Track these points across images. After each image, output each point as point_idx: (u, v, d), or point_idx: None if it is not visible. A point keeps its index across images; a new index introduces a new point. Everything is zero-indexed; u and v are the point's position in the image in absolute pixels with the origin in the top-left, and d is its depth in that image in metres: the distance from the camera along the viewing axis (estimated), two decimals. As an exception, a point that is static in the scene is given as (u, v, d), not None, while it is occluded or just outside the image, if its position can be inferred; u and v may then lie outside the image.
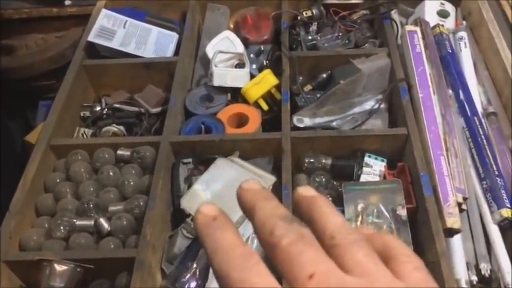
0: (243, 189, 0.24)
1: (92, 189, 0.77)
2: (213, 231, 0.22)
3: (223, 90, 0.92)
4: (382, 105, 0.85)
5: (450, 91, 0.86)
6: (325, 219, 0.23)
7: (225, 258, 0.21)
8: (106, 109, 0.92)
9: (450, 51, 0.92)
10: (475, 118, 0.82)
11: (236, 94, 0.92)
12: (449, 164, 0.75)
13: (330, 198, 0.76)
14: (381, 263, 0.21)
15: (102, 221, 0.73)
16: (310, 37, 0.99)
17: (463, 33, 0.96)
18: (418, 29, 0.93)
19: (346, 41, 0.97)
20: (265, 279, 0.20)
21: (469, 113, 0.83)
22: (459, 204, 0.72)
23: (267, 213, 0.22)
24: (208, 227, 0.23)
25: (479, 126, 0.81)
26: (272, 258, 0.21)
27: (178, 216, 0.77)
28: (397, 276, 0.21)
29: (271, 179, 0.75)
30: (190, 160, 0.81)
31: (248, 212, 0.23)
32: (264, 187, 0.24)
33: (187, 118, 0.90)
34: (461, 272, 0.68)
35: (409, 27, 0.93)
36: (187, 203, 0.75)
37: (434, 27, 0.96)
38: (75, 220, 0.72)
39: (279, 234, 0.21)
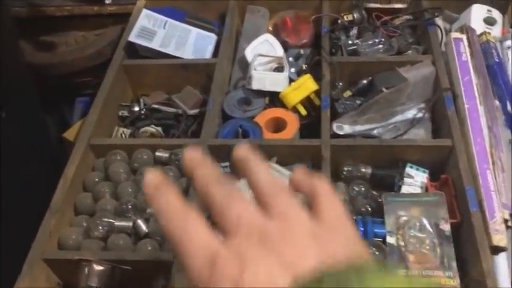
0: (185, 157, 0.29)
1: (130, 190, 0.77)
2: (157, 199, 0.27)
3: (261, 93, 0.91)
4: (426, 115, 0.83)
5: (497, 102, 0.83)
6: (257, 176, 0.28)
7: (166, 217, 0.26)
8: (144, 109, 0.92)
9: (497, 60, 0.88)
10: (523, 131, 0.79)
11: (274, 98, 0.91)
12: (495, 179, 0.73)
13: (369, 209, 0.75)
14: (301, 208, 0.26)
15: (140, 222, 0.73)
16: (350, 42, 0.97)
17: (510, 42, 0.93)
18: (464, 36, 0.91)
19: (388, 47, 0.95)
20: (201, 228, 0.25)
21: (517, 126, 0.80)
22: (505, 221, 0.69)
23: (205, 177, 0.27)
24: (153, 197, 0.27)
25: (527, 140, 0.78)
26: (211, 215, 0.26)
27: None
28: (315, 217, 0.26)
29: (310, 187, 0.74)
30: (227, 164, 0.81)
31: (190, 175, 0.28)
32: (203, 155, 0.29)
33: (224, 121, 0.89)
34: (507, 291, 0.65)
35: (454, 35, 0.91)
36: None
37: (481, 34, 0.93)
38: (113, 221, 0.73)
39: (213, 192, 0.26)
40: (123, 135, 0.88)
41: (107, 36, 1.16)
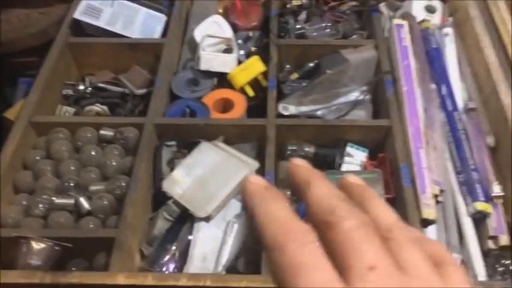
0: (295, 164, 0.24)
1: (73, 168, 0.76)
2: (266, 201, 0.22)
3: (209, 74, 0.91)
4: (367, 97, 0.86)
5: (433, 85, 0.88)
6: (381, 211, 0.22)
7: (282, 230, 0.20)
8: (90, 88, 0.90)
9: (435, 46, 0.93)
10: (456, 113, 0.84)
11: (222, 79, 0.92)
12: (428, 157, 0.77)
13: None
14: (435, 268, 0.21)
15: (83, 200, 0.72)
16: (298, 26, 0.99)
17: (448, 29, 0.97)
18: (405, 22, 0.94)
19: (334, 32, 0.97)
20: (321, 260, 0.19)
21: (450, 108, 0.84)
22: (435, 196, 0.74)
23: (325, 191, 0.22)
24: (260, 196, 0.22)
25: (459, 121, 0.83)
26: (326, 237, 0.20)
27: (159, 199, 0.77)
28: (446, 282, 0.21)
29: (255, 164, 0.76)
30: (174, 143, 0.81)
31: (300, 187, 0.23)
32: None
33: (172, 101, 0.89)
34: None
35: (397, 21, 0.94)
36: (169, 186, 0.75)
37: (421, 22, 0.97)
38: (54, 198, 0.71)
39: (340, 215, 0.20)
40: (67, 114, 0.86)
41: (52, 15, 1.11)
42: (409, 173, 0.73)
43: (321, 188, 0.22)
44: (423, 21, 0.97)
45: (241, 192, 0.23)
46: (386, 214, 0.22)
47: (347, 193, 0.23)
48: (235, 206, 0.77)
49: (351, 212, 0.21)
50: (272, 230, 0.21)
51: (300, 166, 0.24)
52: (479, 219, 0.74)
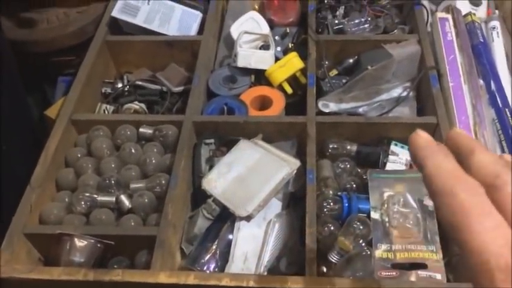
0: (457, 132, 0.26)
1: (113, 165, 0.76)
2: (436, 154, 0.25)
3: (246, 71, 0.90)
4: (411, 94, 0.83)
5: (481, 81, 0.84)
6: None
7: (453, 179, 0.23)
8: (128, 86, 0.90)
9: (482, 40, 0.89)
10: (506, 110, 0.80)
11: (260, 76, 0.91)
12: (478, 156, 0.73)
13: (354, 185, 0.75)
14: None
15: (123, 197, 0.72)
16: (337, 21, 0.96)
17: (495, 23, 0.93)
18: (449, 16, 0.91)
19: (374, 27, 0.95)
20: (491, 208, 0.22)
21: (500, 104, 0.81)
22: (487, 197, 0.70)
23: (490, 157, 0.24)
24: (429, 149, 0.25)
25: (510, 118, 0.79)
26: (491, 197, 0.23)
27: (199, 197, 0.76)
28: None
29: (296, 163, 0.74)
30: (212, 141, 0.80)
31: (463, 152, 0.25)
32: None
33: (209, 99, 0.88)
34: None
35: (440, 14, 0.91)
36: (209, 184, 0.74)
37: (466, 15, 0.93)
38: (96, 196, 0.71)
39: (506, 179, 0.23)
40: (106, 112, 0.86)
41: (89, 14, 1.12)
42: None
43: (485, 155, 0.25)
44: (468, 14, 0.93)
45: (410, 145, 0.27)
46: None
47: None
48: (275, 205, 0.75)
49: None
50: (443, 179, 0.24)
51: (461, 134, 0.26)
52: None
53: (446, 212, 0.23)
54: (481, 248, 0.21)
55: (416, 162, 0.26)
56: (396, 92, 0.84)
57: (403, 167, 0.76)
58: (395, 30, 0.94)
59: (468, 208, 0.22)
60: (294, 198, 0.76)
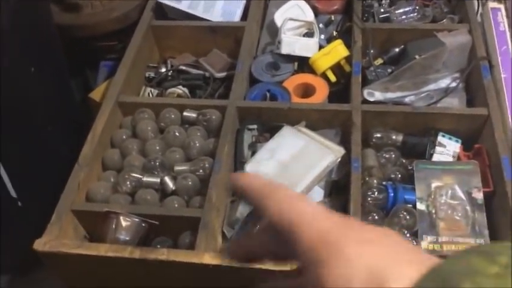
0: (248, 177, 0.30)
1: (157, 147, 0.77)
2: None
3: (290, 59, 0.89)
4: (460, 84, 0.81)
5: (535, 73, 0.81)
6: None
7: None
8: (172, 71, 0.91)
9: (536, 31, 0.86)
10: (561, 103, 0.77)
11: (303, 64, 0.90)
12: (531, 150, 0.71)
13: (399, 176, 0.74)
14: None
15: (168, 179, 0.73)
16: (382, 9, 0.94)
17: (550, 14, 0.90)
18: (502, 6, 0.88)
19: (422, 16, 0.92)
20: None
21: (555, 98, 0.78)
22: (540, 192, 0.68)
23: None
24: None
25: None
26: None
27: (240, 182, 0.76)
28: None
29: (340, 150, 0.73)
30: (255, 127, 0.80)
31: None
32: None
33: (252, 85, 0.88)
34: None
35: (492, 4, 0.88)
36: (252, 169, 0.74)
37: (520, 5, 0.90)
38: (141, 176, 0.72)
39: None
40: (151, 95, 0.87)
41: (132, 0, 1.14)
42: (511, 166, 0.67)
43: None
44: (522, 4, 0.90)
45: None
46: None
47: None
48: (318, 193, 0.75)
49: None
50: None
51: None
52: None
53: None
54: None
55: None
56: (444, 82, 0.82)
57: (451, 159, 0.74)
58: (444, 20, 0.91)
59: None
60: (336, 187, 0.75)
